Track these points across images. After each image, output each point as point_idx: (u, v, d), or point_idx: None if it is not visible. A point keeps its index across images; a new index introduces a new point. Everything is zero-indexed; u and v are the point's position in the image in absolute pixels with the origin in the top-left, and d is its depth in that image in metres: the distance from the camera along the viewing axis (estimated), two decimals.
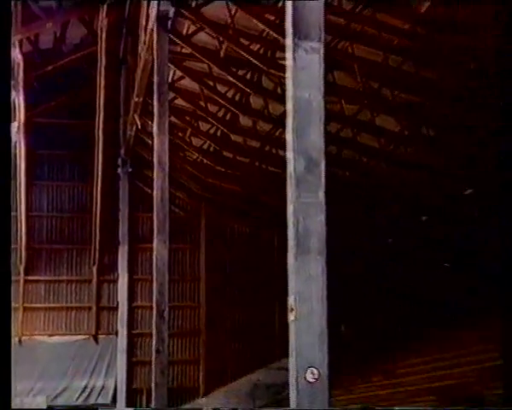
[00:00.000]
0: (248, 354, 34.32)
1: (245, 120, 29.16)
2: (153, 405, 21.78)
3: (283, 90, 9.87)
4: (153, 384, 21.59)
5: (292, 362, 9.04)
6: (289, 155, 9.40)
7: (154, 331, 21.71)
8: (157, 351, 21.42)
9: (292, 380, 9.00)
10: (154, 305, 21.77)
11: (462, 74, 22.97)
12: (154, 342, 21.60)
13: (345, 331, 31.56)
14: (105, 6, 31.24)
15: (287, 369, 9.20)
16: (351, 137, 27.97)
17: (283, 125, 9.70)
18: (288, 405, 9.23)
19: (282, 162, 9.72)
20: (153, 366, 21.65)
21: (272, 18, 21.82)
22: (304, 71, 9.42)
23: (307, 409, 8.83)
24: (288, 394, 9.13)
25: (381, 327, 31.81)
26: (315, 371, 8.87)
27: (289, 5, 9.58)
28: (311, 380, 8.84)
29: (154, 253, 21.98)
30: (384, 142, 28.10)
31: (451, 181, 29.02)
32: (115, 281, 35.72)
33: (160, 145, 22.36)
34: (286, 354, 9.25)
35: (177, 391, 30.77)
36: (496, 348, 19.86)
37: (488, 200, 28.06)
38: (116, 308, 35.58)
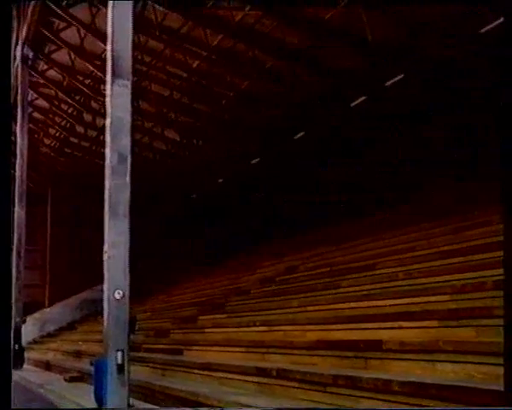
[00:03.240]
0: (79, 281, 33.11)
1: (80, 128, 28.44)
2: (13, 313, 20.86)
3: (105, 110, 9.71)
4: (13, 300, 20.61)
5: (105, 286, 8.97)
6: (107, 152, 9.28)
7: (14, 265, 20.87)
8: (16, 278, 20.80)
9: (105, 297, 8.95)
10: (14, 247, 21.01)
11: (218, 106, 23.35)
12: (14, 272, 20.70)
13: (142, 266, 31.16)
14: None
15: (103, 290, 9.09)
16: (148, 143, 27.91)
17: (104, 133, 9.58)
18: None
19: (103, 157, 9.50)
20: (13, 288, 20.74)
21: (99, 63, 21.20)
22: (118, 98, 9.29)
23: (115, 315, 8.82)
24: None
25: (166, 264, 31.76)
26: (120, 291, 8.83)
27: (109, 55, 9.48)
28: (118, 298, 8.80)
29: (16, 213, 21.17)
30: (170, 146, 28.30)
31: (210, 174, 29.57)
32: None
33: (21, 142, 21.74)
34: (103, 281, 9.13)
35: (30, 304, 28.96)
36: (236, 277, 20.39)
37: (239, 186, 28.77)
38: None
